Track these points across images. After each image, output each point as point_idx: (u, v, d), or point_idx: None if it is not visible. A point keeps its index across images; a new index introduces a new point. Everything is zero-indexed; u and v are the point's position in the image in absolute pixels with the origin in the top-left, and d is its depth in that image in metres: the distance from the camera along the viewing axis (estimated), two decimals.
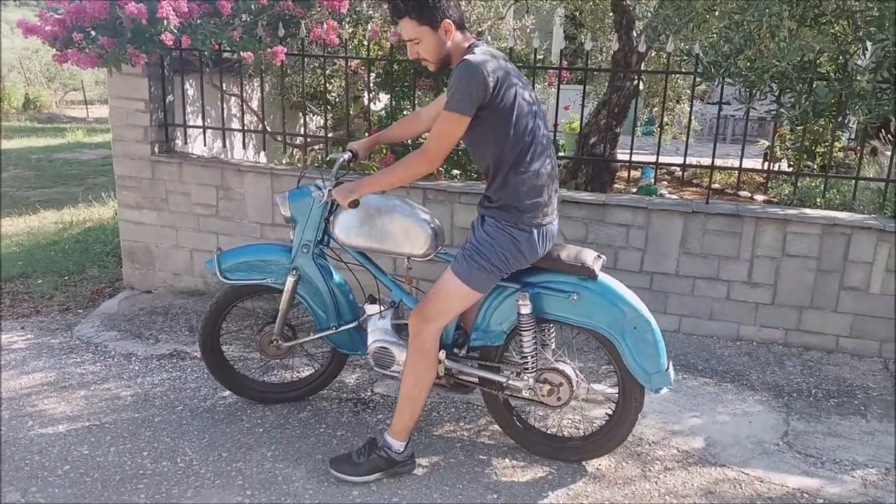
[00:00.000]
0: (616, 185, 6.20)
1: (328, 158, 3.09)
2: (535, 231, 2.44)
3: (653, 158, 4.83)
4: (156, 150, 4.28)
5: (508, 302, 2.58)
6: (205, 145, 4.68)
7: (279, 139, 4.84)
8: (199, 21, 3.74)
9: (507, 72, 2.32)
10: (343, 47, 4.18)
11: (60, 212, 6.63)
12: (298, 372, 3.37)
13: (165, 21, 3.58)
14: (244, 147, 4.53)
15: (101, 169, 9.09)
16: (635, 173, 7.76)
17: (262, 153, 5.07)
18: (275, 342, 2.96)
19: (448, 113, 2.28)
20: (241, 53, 3.84)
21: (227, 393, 3.17)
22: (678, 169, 4.57)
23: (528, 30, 6.39)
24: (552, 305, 2.55)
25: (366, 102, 5.27)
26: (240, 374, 3.16)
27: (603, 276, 2.54)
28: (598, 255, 2.57)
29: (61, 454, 2.70)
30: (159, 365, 3.48)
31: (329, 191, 2.65)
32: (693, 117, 4.68)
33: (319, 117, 6.28)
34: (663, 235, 3.77)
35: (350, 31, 4.18)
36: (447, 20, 2.34)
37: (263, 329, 2.98)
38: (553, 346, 2.78)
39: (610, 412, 2.69)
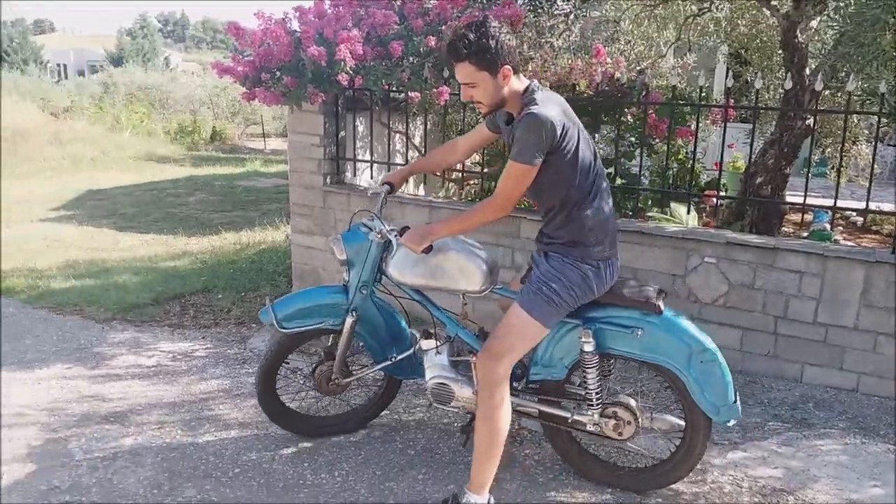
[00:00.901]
0: (784, 229, 5.84)
1: (370, 194, 3.06)
2: (602, 265, 2.49)
3: (825, 201, 4.51)
4: (327, 181, 4.61)
5: (570, 337, 2.61)
6: (371, 178, 4.96)
7: (438, 174, 5.05)
8: (371, 63, 4.01)
9: (568, 116, 2.38)
10: None
11: (239, 234, 7.26)
12: (350, 403, 3.32)
13: (343, 63, 3.87)
14: (406, 181, 4.77)
15: (274, 196, 9.87)
16: (806, 217, 7.26)
17: (422, 186, 5.29)
18: (335, 380, 2.97)
19: (517, 164, 2.33)
20: (409, 93, 4.07)
21: (383, 412, 3.30)
22: (854, 214, 4.23)
23: (689, 67, 6.23)
24: (616, 341, 2.57)
25: None
26: (300, 414, 3.15)
27: (667, 311, 2.55)
28: (662, 290, 2.59)
29: (232, 457, 2.94)
30: None
31: (396, 237, 2.66)
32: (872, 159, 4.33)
33: (476, 154, 6.47)
34: (842, 285, 3.50)
35: None
36: (506, 66, 2.36)
37: (318, 368, 3.00)
38: (612, 377, 2.84)
39: (675, 444, 2.71)
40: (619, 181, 4.41)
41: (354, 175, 4.85)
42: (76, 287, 5.24)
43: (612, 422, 2.63)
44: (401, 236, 2.61)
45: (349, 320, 2.85)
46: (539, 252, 2.61)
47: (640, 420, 2.63)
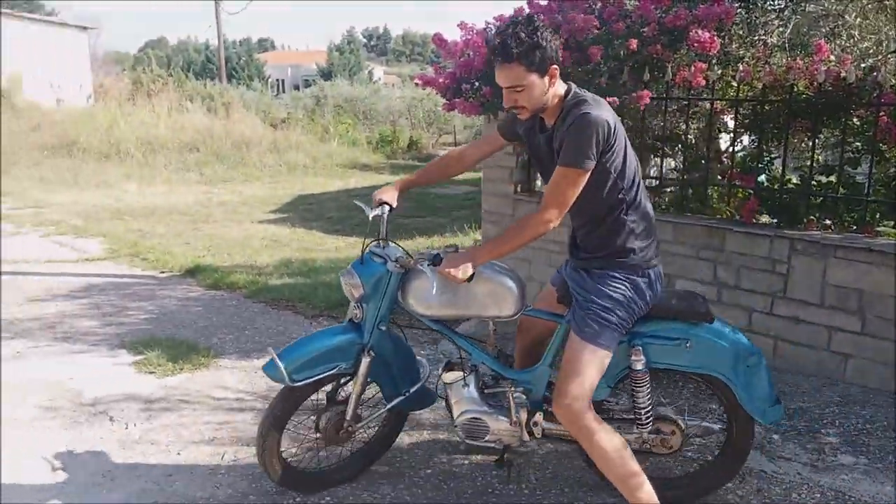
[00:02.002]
0: None
1: (371, 217, 2.65)
2: (653, 274, 2.39)
3: None
4: (518, 189, 4.62)
5: (615, 356, 2.41)
6: None
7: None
8: (569, 68, 3.95)
9: (615, 115, 2.27)
10: (709, 89, 4.05)
11: (430, 238, 7.54)
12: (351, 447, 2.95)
13: None
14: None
15: (463, 203, 10.13)
16: None
17: None
18: (347, 427, 2.69)
19: (569, 169, 2.20)
20: (606, 98, 3.95)
21: None
22: None
23: None
24: (664, 355, 2.46)
25: (724, 145, 5.01)
26: (307, 471, 2.84)
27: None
28: (703, 296, 2.53)
29: (424, 458, 3.02)
30: None
31: (430, 267, 2.41)
32: None
33: (672, 160, 6.16)
34: None
35: (719, 71, 4.03)
36: (554, 66, 2.22)
37: (323, 417, 2.69)
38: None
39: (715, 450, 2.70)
40: (841, 191, 3.97)
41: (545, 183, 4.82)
42: (289, 284, 5.71)
43: (659, 437, 2.56)
44: (433, 265, 2.39)
45: (365, 361, 2.58)
46: (577, 269, 2.47)
47: (684, 429, 2.58)
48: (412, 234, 7.74)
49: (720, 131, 4.91)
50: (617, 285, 2.35)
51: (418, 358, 2.79)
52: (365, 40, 68.84)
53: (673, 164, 5.56)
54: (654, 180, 4.72)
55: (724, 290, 3.93)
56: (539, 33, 2.17)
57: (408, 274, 2.53)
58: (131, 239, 7.60)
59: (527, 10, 4.29)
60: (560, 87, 2.30)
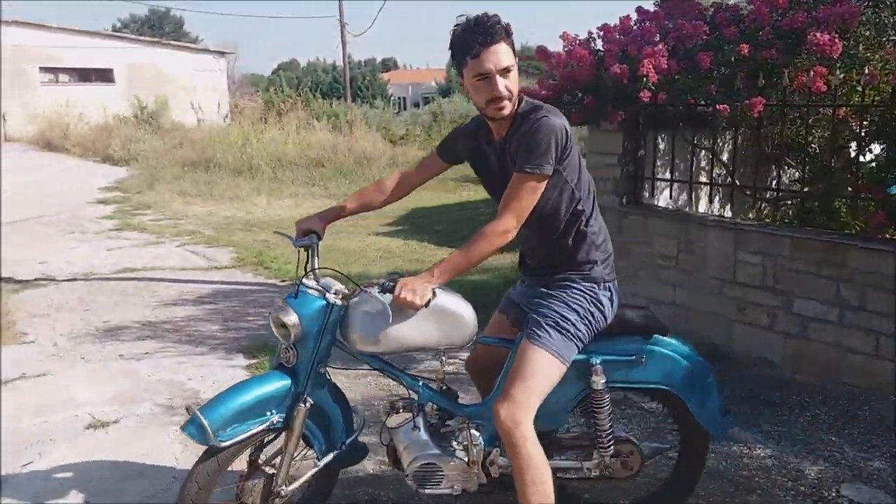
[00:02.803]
0: None
1: (297, 247, 2.43)
2: (612, 288, 2.29)
3: None
4: (623, 201, 4.51)
5: (573, 375, 2.27)
6: (670, 198, 4.74)
7: (748, 193, 4.63)
8: (676, 77, 3.83)
9: (568, 122, 2.17)
10: (831, 94, 3.79)
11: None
12: None
13: (645, 78, 3.76)
14: (710, 201, 4.46)
15: None
16: None
17: (728, 207, 4.89)
18: (279, 492, 2.31)
19: (527, 175, 2.08)
20: (717, 106, 3.80)
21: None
22: None
23: None
24: (620, 372, 2.34)
25: (853, 154, 4.66)
26: None
27: None
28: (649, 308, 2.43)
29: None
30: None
31: (383, 295, 2.14)
32: None
33: (794, 170, 5.81)
34: None
35: (841, 76, 3.76)
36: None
37: (248, 483, 2.31)
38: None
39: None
40: None
41: (652, 195, 4.67)
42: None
43: (619, 460, 2.42)
44: (385, 292, 2.14)
45: (301, 411, 2.25)
46: (533, 286, 2.35)
47: (642, 451, 2.45)
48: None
49: (848, 139, 4.57)
50: (578, 296, 2.23)
51: (387, 420, 2.39)
52: None
53: (791, 175, 5.24)
54: (772, 192, 4.47)
55: (846, 312, 3.64)
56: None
57: (350, 306, 2.25)
58: (257, 249, 8.06)
59: (634, 18, 4.21)
60: None
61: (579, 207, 2.22)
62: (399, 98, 40.87)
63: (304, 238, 2.40)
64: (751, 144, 4.71)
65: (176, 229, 9.46)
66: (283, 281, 6.55)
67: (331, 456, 2.36)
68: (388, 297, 2.13)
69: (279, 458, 2.33)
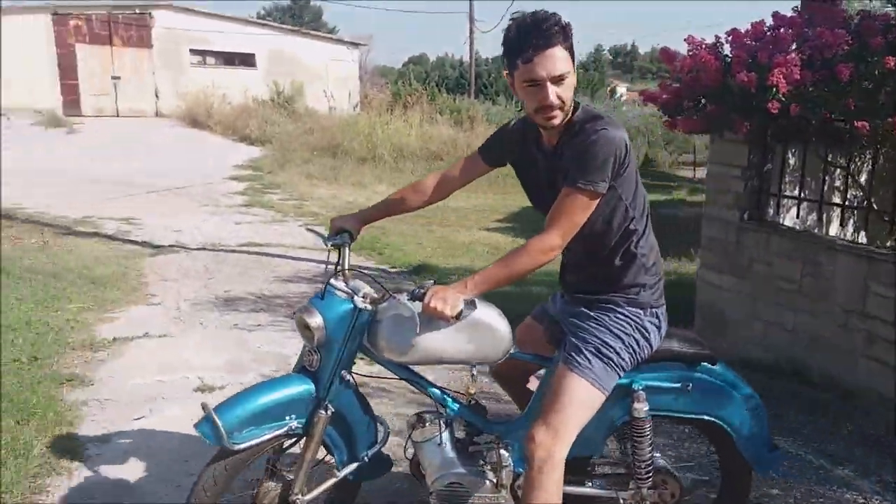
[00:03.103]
0: None
1: (329, 246, 2.28)
2: (660, 314, 2.16)
3: None
4: (745, 216, 4.30)
5: (614, 400, 2.15)
6: (797, 217, 4.47)
7: (886, 219, 4.28)
8: (811, 88, 3.60)
9: (628, 136, 2.01)
10: None
11: None
12: None
13: (774, 89, 3.56)
14: (842, 224, 4.16)
15: (693, 227, 9.60)
16: None
17: (863, 233, 4.54)
18: (295, 501, 2.19)
19: (580, 190, 1.94)
20: (855, 123, 3.54)
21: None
22: None
23: None
24: (662, 401, 2.21)
25: None
26: None
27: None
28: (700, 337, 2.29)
29: None
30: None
31: (411, 303, 2.01)
32: None
33: None
34: None
35: None
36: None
37: (264, 488, 2.21)
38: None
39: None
40: None
41: (777, 213, 4.42)
42: (496, 292, 5.87)
43: (657, 492, 2.29)
44: (415, 300, 2.01)
45: (322, 417, 2.14)
46: (573, 303, 2.21)
47: (681, 482, 2.31)
48: None
49: None
50: (622, 322, 2.10)
51: (412, 434, 2.28)
52: (611, 57, 67.94)
53: None
54: None
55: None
56: (567, 24, 1.93)
57: (378, 311, 2.13)
58: (372, 234, 8.31)
59: (769, 24, 3.99)
60: None
61: (632, 227, 2.09)
62: None
63: (336, 237, 2.28)
64: (892, 166, 4.34)
65: (300, 209, 9.91)
66: (393, 268, 6.74)
67: (352, 467, 2.26)
68: (417, 306, 2.00)
69: (297, 464, 2.21)
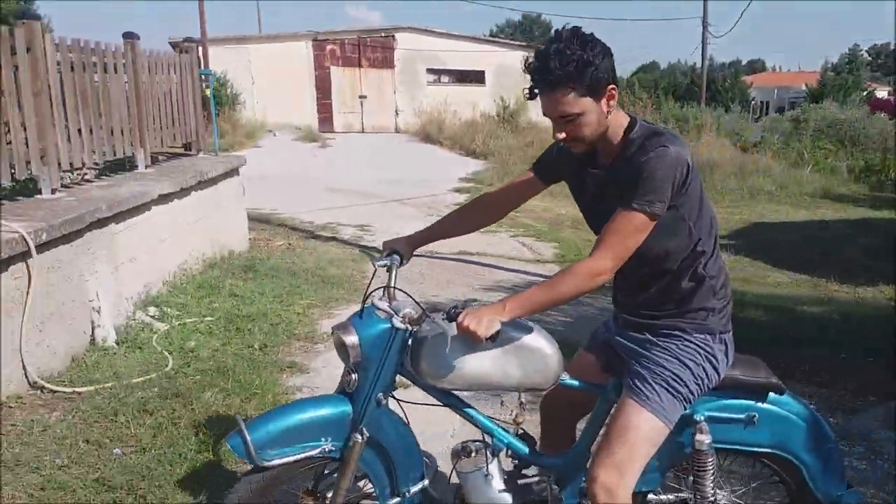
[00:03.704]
0: None
1: (377, 266, 2.21)
2: (727, 340, 2.06)
3: None
4: None
5: (674, 433, 2.03)
6: None
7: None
8: None
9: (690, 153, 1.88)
10: None
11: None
12: None
13: None
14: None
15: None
16: None
17: None
18: None
19: (635, 213, 1.82)
20: None
21: None
22: None
23: None
24: (726, 433, 2.09)
25: None
26: None
27: None
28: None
29: None
30: None
31: (446, 322, 1.90)
32: None
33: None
34: None
35: None
36: (612, 86, 1.86)
37: None
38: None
39: None
40: None
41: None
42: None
43: None
44: (451, 319, 1.90)
45: (357, 440, 2.03)
46: (633, 329, 2.08)
47: None
48: (874, 281, 6.74)
49: None
50: (690, 350, 2.00)
51: (457, 464, 2.17)
52: (870, 58, 59.66)
53: None
54: None
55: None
56: (589, 48, 1.81)
57: (419, 333, 2.04)
58: (579, 247, 8.37)
59: None
60: (621, 116, 1.95)
61: (699, 248, 1.98)
62: (761, 102, 37.61)
63: (386, 258, 2.28)
64: None
65: (512, 221, 10.22)
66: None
67: (393, 502, 2.15)
68: (452, 326, 1.92)
69: (334, 490, 2.12)
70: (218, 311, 5.04)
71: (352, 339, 2.01)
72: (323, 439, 2.06)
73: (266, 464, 1.99)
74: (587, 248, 8.31)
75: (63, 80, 4.75)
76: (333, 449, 2.07)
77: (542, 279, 6.80)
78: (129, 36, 5.88)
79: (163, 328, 4.61)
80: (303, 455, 2.03)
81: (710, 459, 2.07)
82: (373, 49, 25.63)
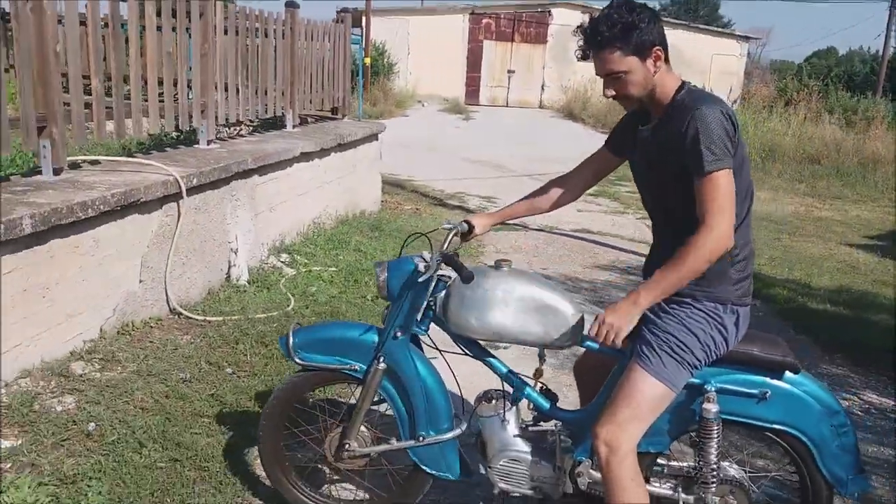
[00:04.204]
0: None
1: (443, 227, 2.41)
2: (741, 312, 2.09)
3: None
4: None
5: (685, 399, 2.14)
6: None
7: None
8: None
9: None
10: None
11: None
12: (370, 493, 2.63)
13: None
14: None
15: None
16: None
17: None
18: (347, 448, 2.37)
19: (716, 175, 1.91)
20: None
21: None
22: None
23: None
24: (736, 405, 2.14)
25: None
26: (306, 491, 2.53)
27: None
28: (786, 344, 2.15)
29: None
30: None
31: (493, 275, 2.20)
32: None
33: None
34: None
35: None
36: (658, 48, 2.00)
37: (330, 431, 2.43)
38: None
39: None
40: None
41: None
42: (825, 311, 5.37)
43: (723, 500, 2.22)
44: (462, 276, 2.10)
45: (376, 369, 2.27)
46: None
47: (750, 494, 2.24)
48: None
49: None
50: (699, 319, 2.06)
51: (478, 408, 2.37)
52: None
53: None
54: None
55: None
56: (636, 13, 1.98)
57: (452, 284, 2.22)
58: None
59: None
60: (671, 78, 2.07)
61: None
62: None
63: (454, 224, 2.43)
64: None
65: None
66: None
67: (406, 443, 2.34)
68: (490, 282, 2.18)
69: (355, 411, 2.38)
70: (341, 262, 5.48)
71: (382, 274, 2.30)
72: (351, 359, 2.32)
73: (300, 362, 2.33)
74: None
75: (226, 43, 5.31)
76: (358, 370, 2.32)
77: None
78: (291, 5, 6.43)
79: (290, 273, 5.10)
80: (331, 365, 2.34)
81: (716, 428, 2.13)
82: (527, 24, 25.59)
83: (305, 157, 5.86)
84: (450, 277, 2.25)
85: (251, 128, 6.24)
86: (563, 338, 2.18)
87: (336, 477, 2.64)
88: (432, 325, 2.35)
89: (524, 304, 2.17)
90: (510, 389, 2.36)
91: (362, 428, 2.40)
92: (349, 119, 7.86)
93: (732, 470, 2.30)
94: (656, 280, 2.00)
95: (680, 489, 2.26)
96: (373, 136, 7.57)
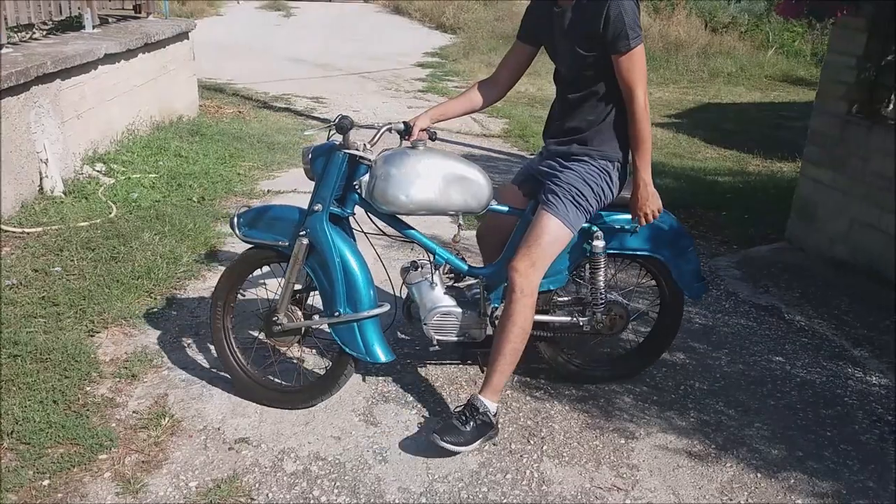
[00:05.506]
0: None
1: (379, 124, 2.60)
2: (626, 166, 2.51)
3: None
4: (852, 110, 4.12)
5: (576, 241, 2.58)
6: None
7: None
8: None
9: None
10: None
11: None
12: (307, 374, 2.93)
13: None
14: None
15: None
16: None
17: None
18: (276, 321, 2.56)
19: (639, 49, 2.28)
20: None
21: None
22: None
23: None
24: (616, 240, 2.65)
25: None
26: (242, 364, 2.72)
27: None
28: None
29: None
30: (747, 311, 3.70)
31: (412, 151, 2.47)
32: None
33: None
34: None
35: None
36: None
37: (270, 306, 2.65)
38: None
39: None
40: None
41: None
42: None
43: (609, 317, 2.73)
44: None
45: (299, 243, 2.47)
46: (550, 157, 2.56)
47: (627, 307, 2.78)
48: (786, 157, 7.17)
49: None
50: (594, 173, 2.49)
51: (406, 277, 2.70)
52: None
53: None
54: None
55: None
56: None
57: (375, 164, 2.45)
58: (526, 123, 8.63)
59: None
60: None
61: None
62: None
63: (391, 123, 2.61)
64: None
65: None
66: (531, 154, 7.08)
67: (324, 319, 2.52)
68: (413, 157, 2.46)
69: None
70: (162, 168, 5.36)
71: (307, 156, 2.54)
72: (280, 234, 2.56)
73: (242, 237, 2.61)
74: (536, 124, 8.58)
75: None
76: (286, 245, 2.54)
77: (483, 152, 7.11)
78: None
79: (109, 182, 4.95)
80: (266, 241, 2.60)
81: (602, 261, 2.63)
82: None
83: (110, 58, 5.54)
84: (371, 161, 2.44)
85: (45, 31, 5.75)
86: (479, 203, 2.54)
87: (277, 359, 2.82)
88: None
89: (445, 178, 2.46)
90: (430, 258, 2.66)
91: (293, 306, 2.59)
92: (154, 17, 7.39)
93: (612, 294, 2.79)
94: (639, 159, 2.42)
95: (576, 314, 2.75)
96: (183, 35, 7.20)
